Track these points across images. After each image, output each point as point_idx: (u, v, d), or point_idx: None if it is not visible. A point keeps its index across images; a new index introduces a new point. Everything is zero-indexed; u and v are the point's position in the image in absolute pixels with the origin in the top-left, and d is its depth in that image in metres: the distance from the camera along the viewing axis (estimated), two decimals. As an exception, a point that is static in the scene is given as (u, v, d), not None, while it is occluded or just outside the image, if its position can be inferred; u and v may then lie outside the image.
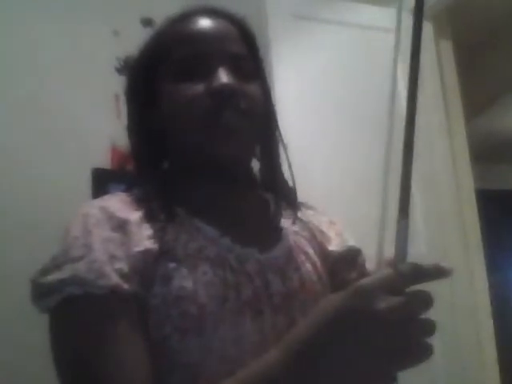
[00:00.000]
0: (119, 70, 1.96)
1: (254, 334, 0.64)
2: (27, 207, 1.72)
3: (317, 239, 0.81)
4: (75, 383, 0.58)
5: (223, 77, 0.70)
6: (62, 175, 1.81)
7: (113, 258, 0.61)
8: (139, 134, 0.77)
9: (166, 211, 0.69)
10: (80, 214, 0.66)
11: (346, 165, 1.81)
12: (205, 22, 0.74)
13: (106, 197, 0.72)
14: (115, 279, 0.60)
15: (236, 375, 0.56)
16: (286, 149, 0.80)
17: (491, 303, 2.04)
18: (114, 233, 0.64)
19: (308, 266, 0.75)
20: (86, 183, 1.83)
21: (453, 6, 2.14)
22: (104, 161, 1.89)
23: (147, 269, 0.63)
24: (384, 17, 1.93)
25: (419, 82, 0.53)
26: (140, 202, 0.70)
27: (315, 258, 0.78)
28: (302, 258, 0.76)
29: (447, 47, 2.24)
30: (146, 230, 0.65)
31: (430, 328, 0.49)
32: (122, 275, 0.60)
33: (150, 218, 0.67)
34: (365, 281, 0.50)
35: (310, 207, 0.87)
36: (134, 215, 0.67)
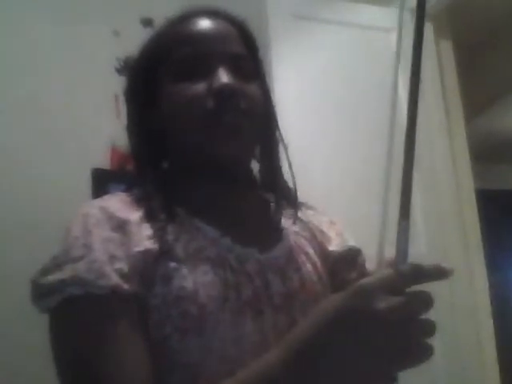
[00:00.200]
0: (119, 71, 1.96)
1: (254, 334, 0.64)
2: (27, 207, 1.72)
3: (317, 239, 0.81)
4: (75, 383, 0.59)
5: (223, 77, 0.70)
6: (62, 175, 1.81)
7: (113, 258, 0.61)
8: (139, 135, 0.77)
9: (166, 211, 0.69)
10: (80, 214, 0.66)
11: (345, 165, 1.81)
12: (204, 23, 0.74)
13: (106, 197, 0.72)
14: (115, 279, 0.60)
15: (236, 375, 0.56)
16: (286, 149, 0.80)
17: (491, 303, 2.05)
18: (114, 233, 0.64)
19: (308, 266, 0.75)
20: (85, 183, 1.83)
21: (453, 6, 2.14)
22: (104, 161, 1.89)
23: (147, 269, 0.63)
24: (384, 17, 1.93)
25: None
26: (140, 201, 0.70)
27: (315, 258, 0.78)
28: (303, 258, 0.76)
29: (447, 47, 2.24)
30: (146, 230, 0.65)
31: (430, 328, 0.49)
32: (122, 275, 0.60)
33: (150, 217, 0.67)
34: (365, 281, 0.50)
35: (310, 207, 0.87)
36: (134, 215, 0.67)
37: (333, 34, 1.93)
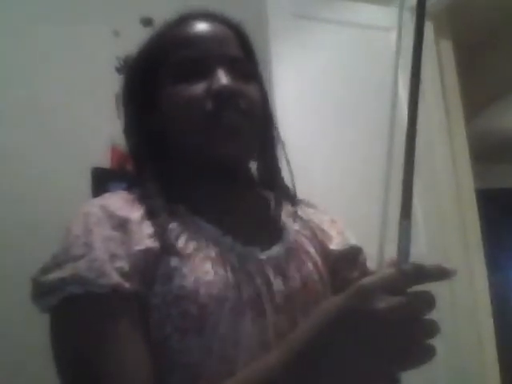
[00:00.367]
0: (119, 70, 1.96)
1: (255, 335, 0.64)
2: (27, 207, 1.72)
3: (318, 238, 0.81)
4: (76, 382, 0.59)
5: (222, 78, 0.70)
6: (62, 175, 1.80)
7: (113, 256, 0.61)
8: (138, 135, 0.77)
9: (166, 210, 0.69)
10: (81, 212, 0.66)
11: (345, 165, 1.81)
12: (202, 26, 0.74)
13: (106, 195, 0.72)
14: (116, 278, 0.59)
15: (236, 375, 0.56)
16: (284, 148, 0.81)
17: (491, 303, 2.05)
18: (115, 231, 0.64)
19: (309, 265, 0.75)
20: (85, 183, 1.82)
21: (453, 5, 2.14)
22: (104, 160, 1.89)
23: (148, 267, 0.63)
24: (384, 16, 1.93)
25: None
26: (141, 200, 0.70)
27: (316, 257, 0.77)
28: (304, 257, 0.75)
29: (447, 47, 2.24)
30: (147, 229, 0.65)
31: (432, 329, 0.49)
32: (123, 274, 0.60)
33: (150, 216, 0.67)
34: (366, 280, 0.50)
35: (310, 205, 0.87)
36: (135, 214, 0.67)
37: (333, 34, 1.93)
